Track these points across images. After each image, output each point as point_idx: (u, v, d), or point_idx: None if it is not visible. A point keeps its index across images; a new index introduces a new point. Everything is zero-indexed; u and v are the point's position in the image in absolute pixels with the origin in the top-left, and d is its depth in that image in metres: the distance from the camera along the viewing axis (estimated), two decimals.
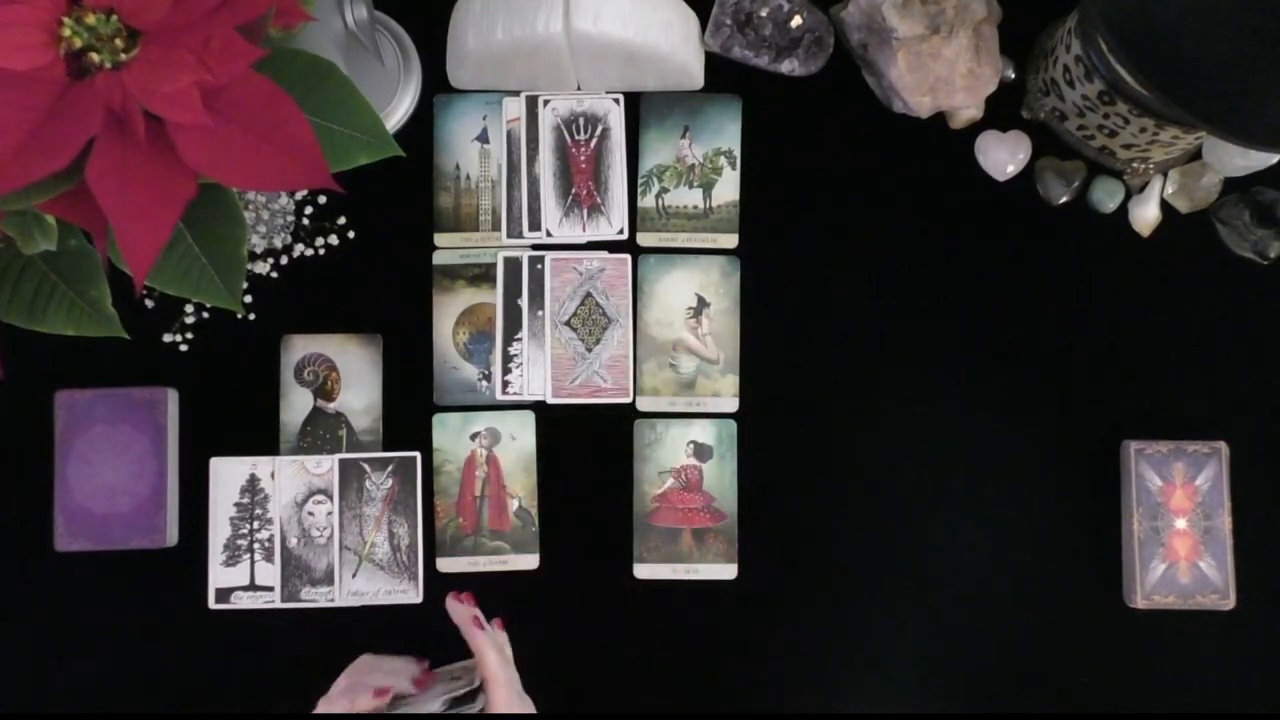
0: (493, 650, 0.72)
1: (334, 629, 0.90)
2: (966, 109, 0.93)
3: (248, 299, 0.92)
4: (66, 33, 0.55)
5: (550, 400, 0.92)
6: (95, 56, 0.56)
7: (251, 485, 0.90)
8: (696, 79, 0.93)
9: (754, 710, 0.91)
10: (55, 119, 0.55)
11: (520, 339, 0.92)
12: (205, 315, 0.92)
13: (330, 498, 0.90)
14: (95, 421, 0.89)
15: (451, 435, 0.92)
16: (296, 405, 0.91)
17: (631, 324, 0.93)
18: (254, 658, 0.90)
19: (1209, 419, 0.92)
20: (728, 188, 0.94)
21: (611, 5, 0.85)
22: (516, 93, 0.93)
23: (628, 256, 0.93)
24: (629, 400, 0.92)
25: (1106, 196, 0.93)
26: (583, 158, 0.93)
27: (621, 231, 0.93)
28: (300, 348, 0.92)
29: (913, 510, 0.92)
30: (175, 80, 0.54)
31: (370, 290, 0.93)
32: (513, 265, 0.93)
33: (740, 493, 0.92)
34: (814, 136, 0.94)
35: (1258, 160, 0.92)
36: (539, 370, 0.92)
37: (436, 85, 0.93)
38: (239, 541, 0.90)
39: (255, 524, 0.90)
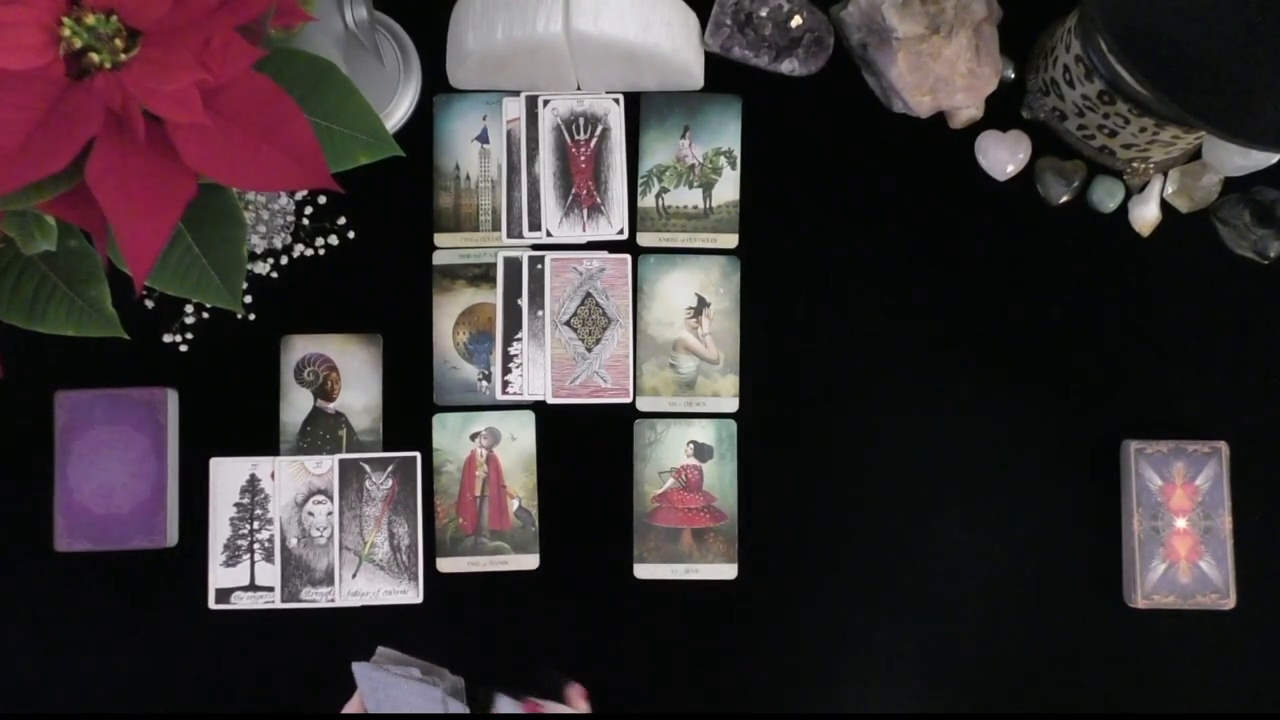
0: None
1: (334, 629, 0.90)
2: (966, 109, 0.93)
3: (248, 299, 0.92)
4: (66, 33, 0.55)
5: (550, 400, 0.92)
6: (95, 56, 0.56)
7: (251, 485, 0.90)
8: (696, 79, 0.93)
9: (754, 710, 0.91)
10: (55, 119, 0.55)
11: (520, 339, 0.92)
12: (205, 315, 0.92)
13: (330, 498, 0.90)
14: (95, 421, 0.89)
15: (451, 435, 0.92)
16: (296, 405, 0.91)
17: (631, 324, 0.93)
18: (254, 658, 0.90)
19: (1209, 419, 0.92)
20: (728, 188, 0.94)
21: (611, 5, 0.85)
22: (516, 93, 0.93)
23: (628, 256, 0.93)
24: (629, 400, 0.92)
25: (1106, 196, 0.93)
26: (583, 158, 0.93)
27: (621, 231, 0.93)
28: (300, 348, 0.92)
29: (912, 510, 0.92)
30: (175, 80, 0.54)
31: (370, 290, 0.93)
32: (513, 265, 0.93)
33: (740, 493, 0.92)
34: (814, 136, 0.94)
35: (1258, 160, 0.92)
36: (539, 370, 0.92)
37: (436, 85, 0.93)
38: (239, 541, 0.90)
39: (255, 524, 0.90)
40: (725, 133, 0.94)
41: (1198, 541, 0.90)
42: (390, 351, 0.92)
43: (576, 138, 0.93)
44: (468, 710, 0.81)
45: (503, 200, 0.93)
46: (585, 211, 0.93)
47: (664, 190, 0.94)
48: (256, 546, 0.90)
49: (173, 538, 0.90)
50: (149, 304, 0.92)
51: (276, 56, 0.62)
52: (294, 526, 0.90)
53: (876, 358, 0.93)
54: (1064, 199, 0.94)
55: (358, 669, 0.80)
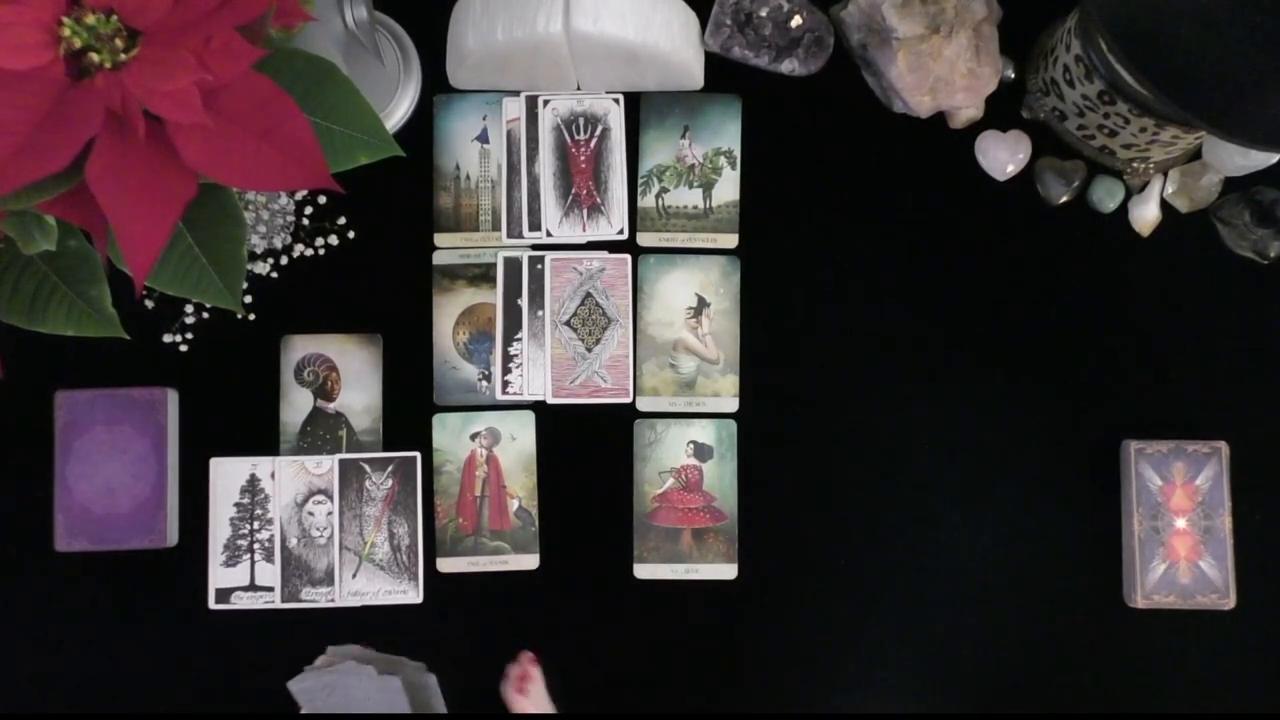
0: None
1: (334, 629, 0.90)
2: (966, 109, 0.93)
3: (248, 299, 0.92)
4: (66, 33, 0.56)
5: (550, 400, 0.92)
6: (95, 56, 0.56)
7: (251, 485, 0.90)
8: (696, 79, 0.93)
9: (754, 710, 0.91)
10: (55, 119, 0.55)
11: (520, 339, 0.92)
12: (205, 315, 0.92)
13: (330, 498, 0.90)
14: (95, 421, 0.89)
15: (451, 435, 0.92)
16: (296, 405, 0.91)
17: (631, 324, 0.93)
18: (254, 658, 0.90)
19: (1209, 419, 0.92)
20: (728, 188, 0.94)
21: (611, 5, 0.85)
22: (516, 93, 0.93)
23: (628, 256, 0.93)
24: (629, 400, 0.92)
25: (1106, 196, 0.93)
26: (583, 158, 0.93)
27: (621, 231, 0.93)
28: (300, 348, 0.92)
29: (912, 510, 0.92)
30: (175, 80, 0.54)
31: (370, 290, 0.93)
32: (513, 265, 0.93)
33: (740, 493, 0.92)
34: (814, 136, 0.94)
35: (1258, 160, 0.92)
36: (539, 370, 0.92)
37: (436, 85, 0.93)
38: (239, 541, 0.90)
39: (255, 524, 0.90)
40: (725, 133, 0.94)
41: (1198, 541, 0.90)
42: (390, 351, 0.92)
43: (576, 138, 0.93)
44: (438, 688, 0.81)
45: (503, 200, 0.93)
46: (585, 211, 0.93)
47: (664, 190, 0.94)
48: (256, 546, 0.90)
49: (173, 538, 0.90)
50: (149, 304, 0.92)
51: (276, 56, 0.62)
52: (294, 526, 0.90)
53: (876, 358, 0.93)
54: (1064, 199, 0.93)
55: (292, 686, 0.79)
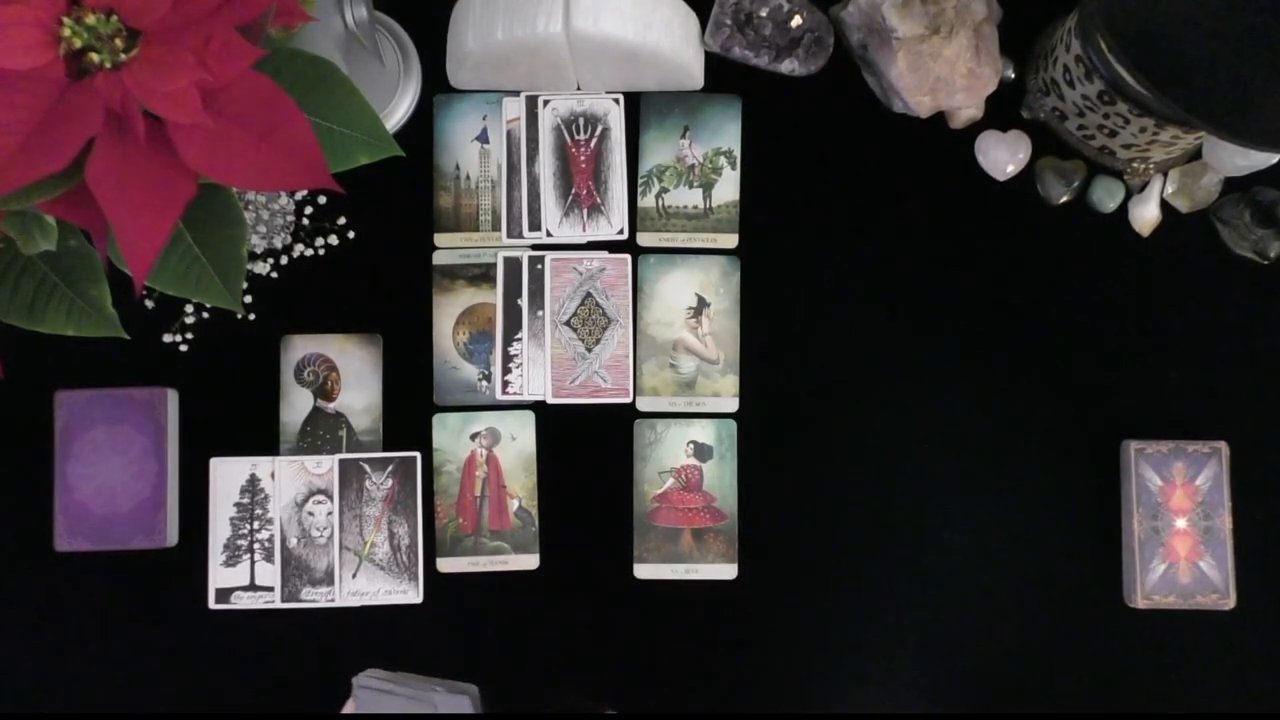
0: None
1: (334, 629, 0.90)
2: (966, 109, 0.93)
3: (248, 299, 0.92)
4: (66, 33, 0.56)
5: (550, 400, 0.92)
6: (95, 56, 0.56)
7: (251, 485, 0.90)
8: (696, 79, 0.93)
9: (754, 710, 0.91)
10: (55, 119, 0.55)
11: (520, 339, 0.93)
12: (205, 315, 0.92)
13: (330, 498, 0.90)
14: (95, 421, 0.89)
15: (451, 435, 0.92)
16: (296, 405, 0.91)
17: (631, 324, 0.93)
18: (254, 658, 0.90)
19: (1209, 419, 0.92)
20: (728, 188, 0.94)
21: (611, 5, 0.85)
22: (516, 93, 0.93)
23: (628, 256, 0.93)
24: (629, 400, 0.92)
25: (1106, 196, 0.93)
26: (583, 158, 0.93)
27: (621, 231, 0.93)
28: (300, 348, 0.92)
29: (912, 510, 0.92)
30: (175, 80, 0.54)
31: (370, 290, 0.93)
32: (513, 265, 0.93)
33: (740, 493, 0.92)
34: (814, 136, 0.94)
35: (1258, 160, 0.92)
36: (539, 370, 0.92)
37: (436, 85, 0.94)
38: (239, 541, 0.90)
39: (255, 524, 0.90)
40: (725, 133, 0.94)
41: (1198, 541, 0.90)
42: (390, 351, 0.92)
43: (576, 138, 0.93)
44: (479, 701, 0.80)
45: (503, 200, 0.93)
46: (585, 211, 0.93)
47: (664, 190, 0.94)
48: (256, 546, 0.90)
49: (173, 538, 0.90)
50: (149, 304, 0.92)
51: (276, 56, 0.62)
52: (294, 526, 0.90)
53: (876, 357, 0.93)
54: (1064, 199, 0.94)
55: (356, 681, 0.78)
